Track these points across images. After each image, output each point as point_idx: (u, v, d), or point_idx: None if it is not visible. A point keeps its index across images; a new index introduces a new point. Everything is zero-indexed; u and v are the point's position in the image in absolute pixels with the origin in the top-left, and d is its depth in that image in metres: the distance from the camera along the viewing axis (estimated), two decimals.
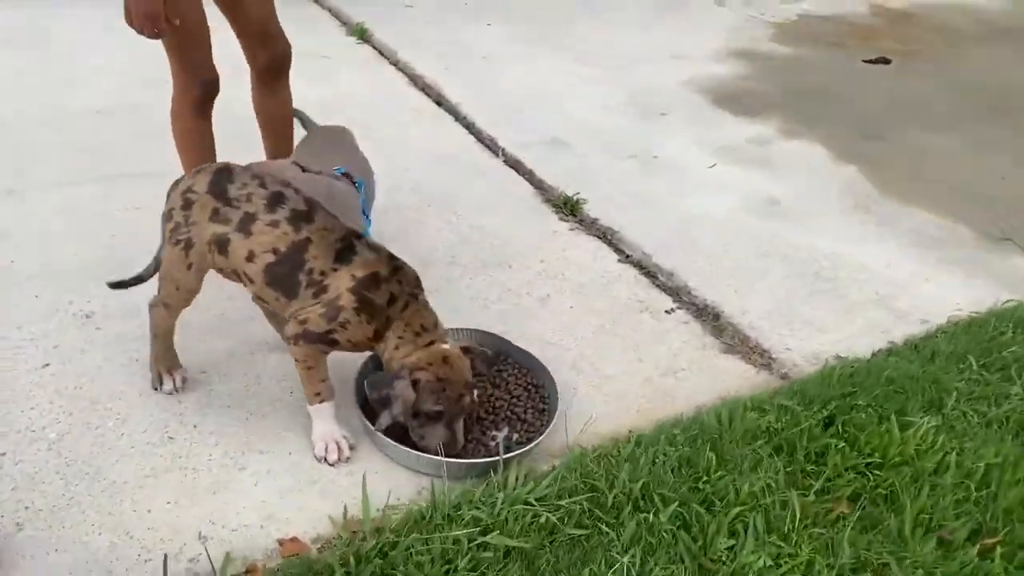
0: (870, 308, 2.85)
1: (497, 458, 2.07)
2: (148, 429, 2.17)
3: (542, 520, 1.92)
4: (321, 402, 2.13)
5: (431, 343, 2.10)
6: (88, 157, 3.30)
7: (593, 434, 2.25)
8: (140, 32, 2.34)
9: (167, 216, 2.12)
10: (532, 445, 2.15)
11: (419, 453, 2.08)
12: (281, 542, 1.92)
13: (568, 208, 3.26)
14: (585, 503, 1.96)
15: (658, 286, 2.90)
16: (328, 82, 4.08)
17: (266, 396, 2.29)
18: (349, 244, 2.07)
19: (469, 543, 1.85)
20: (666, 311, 2.78)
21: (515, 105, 4.01)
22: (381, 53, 4.51)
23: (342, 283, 2.03)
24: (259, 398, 2.29)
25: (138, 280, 2.27)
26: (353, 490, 2.05)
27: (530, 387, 2.37)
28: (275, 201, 2.05)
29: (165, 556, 1.80)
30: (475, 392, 2.14)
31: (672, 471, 2.07)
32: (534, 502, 1.95)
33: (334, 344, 2.07)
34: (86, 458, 2.08)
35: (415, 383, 2.04)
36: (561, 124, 3.86)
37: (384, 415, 2.06)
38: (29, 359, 2.33)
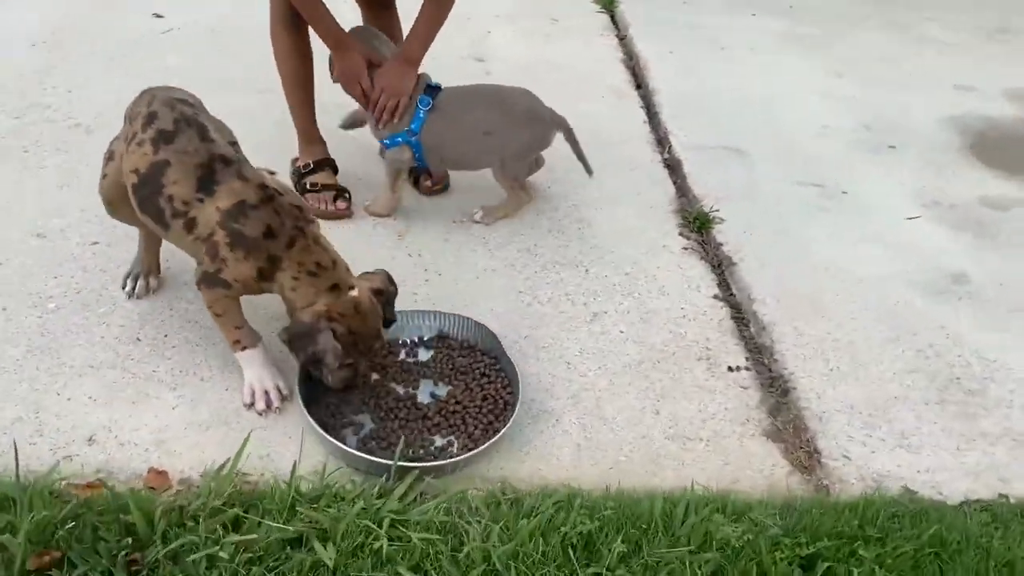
0: (999, 445, 2.11)
1: (400, 464, 1.84)
2: (125, 325, 2.23)
3: (376, 546, 1.66)
4: (243, 349, 2.03)
5: (334, 286, 1.91)
6: None
7: (521, 475, 1.93)
8: (344, 88, 2.57)
9: None
10: (431, 464, 1.87)
11: (343, 447, 1.89)
12: (151, 471, 1.87)
13: (696, 224, 2.81)
14: (430, 548, 1.66)
15: (741, 337, 2.40)
16: (540, 44, 3.90)
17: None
18: (211, 170, 1.90)
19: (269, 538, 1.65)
20: (729, 368, 2.29)
21: (718, 104, 3.53)
22: (615, 24, 4.22)
23: (211, 216, 1.88)
24: None
25: None
26: (263, 445, 1.94)
27: (498, 400, 2.08)
28: (148, 120, 1.94)
29: (15, 443, 1.82)
30: (384, 337, 2.02)
31: (562, 549, 1.68)
32: (378, 526, 1.69)
33: (227, 285, 1.93)
34: (62, 332, 2.18)
35: (332, 331, 1.87)
36: (757, 134, 3.33)
37: (324, 374, 1.93)
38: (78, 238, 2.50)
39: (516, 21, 4.10)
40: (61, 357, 2.12)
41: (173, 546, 1.59)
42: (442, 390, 2.12)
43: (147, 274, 2.31)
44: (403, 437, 1.95)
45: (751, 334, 2.42)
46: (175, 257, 2.30)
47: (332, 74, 2.61)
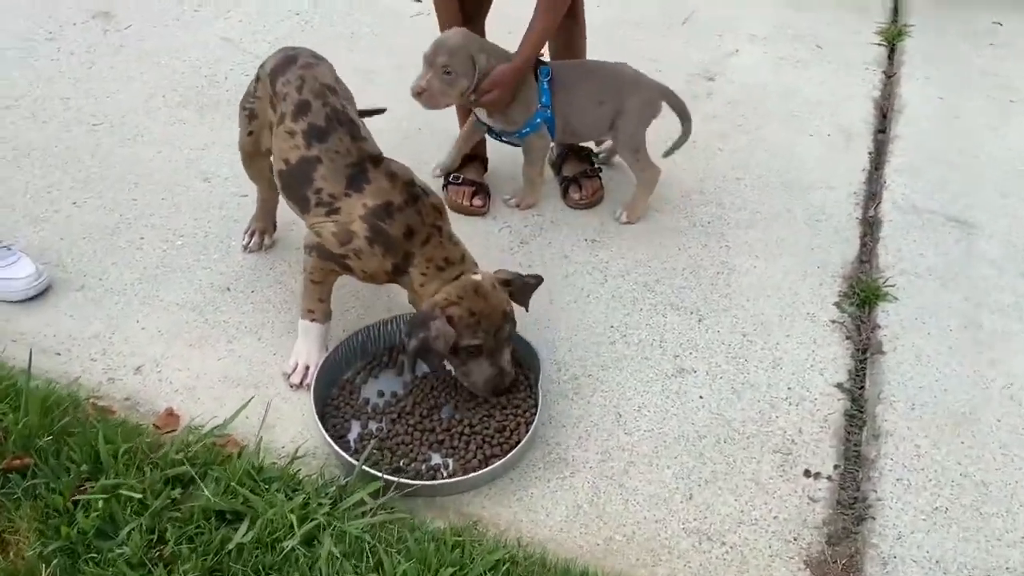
0: None
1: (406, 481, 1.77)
2: (225, 273, 2.37)
3: (285, 546, 1.59)
4: (312, 321, 2.05)
5: (459, 276, 1.89)
6: None
7: (498, 520, 1.75)
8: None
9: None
10: (397, 480, 1.76)
11: (322, 429, 1.87)
12: (167, 411, 1.97)
13: (860, 296, 2.36)
14: (338, 564, 1.56)
15: (844, 441, 1.98)
16: (788, 70, 3.51)
17: (337, 297, 2.17)
18: (362, 169, 1.91)
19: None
20: (807, 472, 1.90)
21: (966, 164, 2.93)
22: (891, 60, 3.68)
23: (355, 210, 1.89)
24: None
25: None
26: (275, 415, 1.97)
27: (512, 435, 1.90)
28: (300, 110, 1.96)
29: (30, 351, 2.00)
30: (514, 322, 1.94)
31: None
32: (303, 525, 1.62)
33: (348, 270, 1.96)
34: (174, 268, 2.37)
35: (449, 319, 1.84)
36: (998, 208, 2.71)
37: (429, 360, 1.91)
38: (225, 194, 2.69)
39: (773, 43, 3.74)
40: (160, 290, 2.30)
41: (109, 482, 1.65)
42: (462, 410, 1.98)
43: (262, 231, 2.43)
44: (375, 439, 1.86)
45: (858, 439, 1.98)
46: (297, 223, 2.41)
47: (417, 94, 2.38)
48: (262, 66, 2.16)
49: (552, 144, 2.63)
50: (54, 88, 3.11)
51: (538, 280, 2.05)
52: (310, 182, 1.95)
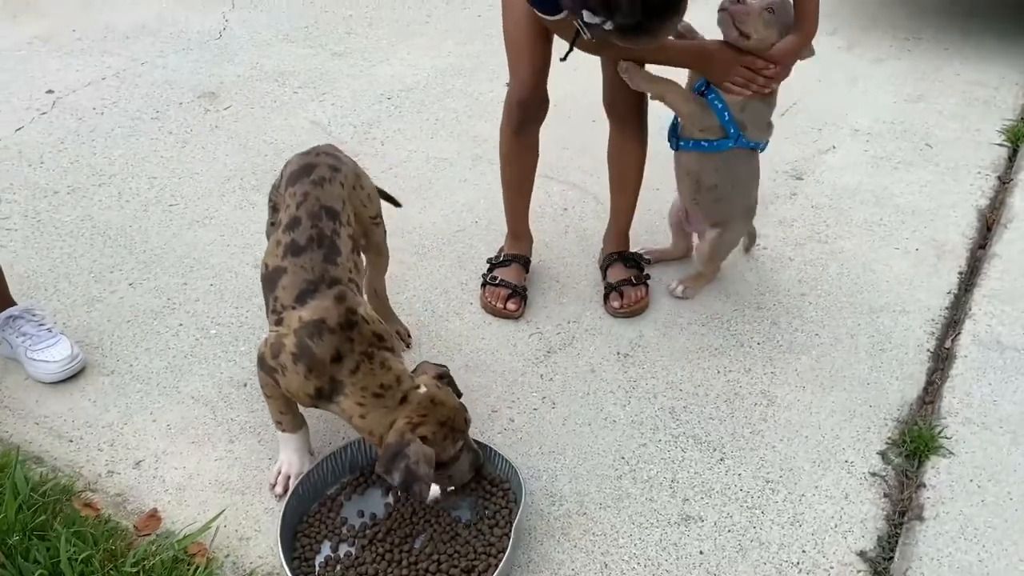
0: None
1: None
2: (246, 368, 2.39)
3: None
4: (283, 431, 2.02)
5: (403, 398, 1.83)
6: None
7: None
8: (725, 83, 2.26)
9: None
10: None
11: (280, 547, 1.82)
12: (150, 512, 1.99)
13: (909, 447, 2.10)
14: None
15: None
16: (887, 172, 3.25)
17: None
18: (316, 287, 1.88)
19: None
20: None
21: None
22: (1010, 162, 3.32)
23: (292, 323, 1.86)
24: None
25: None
26: (252, 525, 1.95)
27: (474, 571, 1.79)
28: (291, 225, 1.95)
29: (17, 448, 2.05)
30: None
31: None
32: None
33: (279, 385, 1.92)
34: (199, 358, 2.42)
35: (424, 439, 1.80)
36: None
37: (419, 488, 1.78)
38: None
39: (877, 140, 3.48)
40: (181, 381, 2.35)
41: None
42: (437, 541, 1.88)
43: None
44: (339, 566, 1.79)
45: None
46: None
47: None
48: (288, 163, 2.18)
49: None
50: (145, 167, 3.30)
51: (445, 367, 1.99)
52: (273, 290, 1.94)
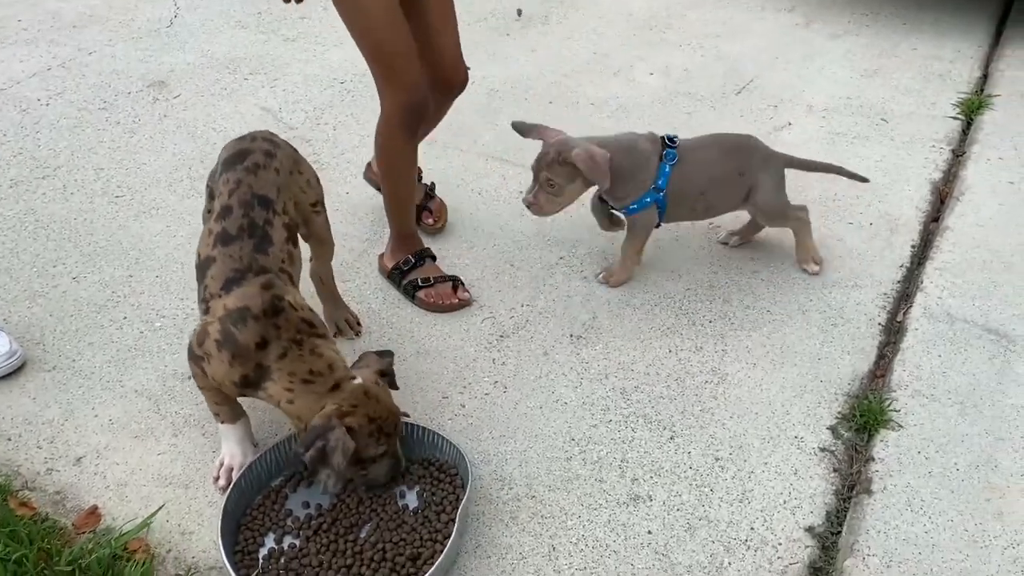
0: None
1: None
2: (179, 354, 2.33)
3: None
4: (221, 422, 1.99)
5: (335, 385, 1.80)
6: None
7: None
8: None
9: None
10: None
11: (220, 545, 1.78)
12: (90, 509, 1.94)
13: (859, 421, 2.09)
14: None
15: None
16: (843, 147, 3.24)
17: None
18: (243, 276, 1.85)
19: None
20: None
21: None
22: (964, 137, 3.33)
23: (217, 311, 1.83)
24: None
25: None
26: (193, 519, 1.92)
27: (420, 558, 1.77)
28: (223, 214, 1.92)
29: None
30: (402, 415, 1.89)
31: None
32: None
33: (205, 374, 1.87)
34: (144, 351, 2.37)
35: (350, 430, 1.76)
36: None
37: (325, 475, 1.77)
38: None
39: (833, 116, 3.47)
40: (124, 375, 2.30)
41: None
42: (383, 529, 1.86)
43: None
44: (267, 573, 1.76)
45: None
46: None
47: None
48: (224, 148, 2.13)
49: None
50: (91, 159, 3.23)
51: (391, 354, 1.97)
52: (204, 279, 1.91)
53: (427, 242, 2.63)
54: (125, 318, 2.49)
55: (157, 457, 2.08)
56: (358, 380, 1.82)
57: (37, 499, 1.96)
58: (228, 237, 1.89)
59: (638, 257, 2.58)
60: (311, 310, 1.88)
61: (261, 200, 1.94)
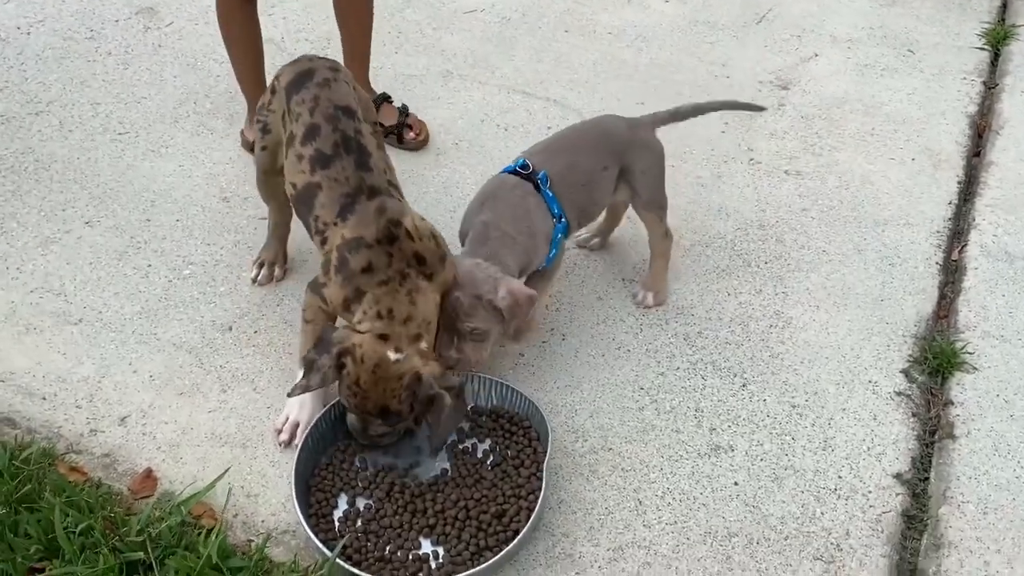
0: None
1: None
2: (229, 310, 2.21)
3: None
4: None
5: (383, 336, 1.68)
6: None
7: None
8: None
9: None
10: None
11: (297, 509, 1.70)
12: (145, 473, 1.83)
13: (933, 364, 2.06)
14: None
15: (899, 548, 1.70)
16: (873, 79, 3.15)
17: None
18: (355, 199, 1.77)
19: None
20: None
21: None
22: (993, 68, 3.27)
23: (336, 239, 1.76)
24: None
25: None
26: (257, 482, 1.81)
27: (511, 524, 1.69)
28: (310, 134, 1.83)
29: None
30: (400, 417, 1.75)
31: None
32: None
33: (325, 300, 1.80)
34: (176, 302, 2.22)
35: (340, 367, 1.69)
36: None
37: (309, 377, 1.73)
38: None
39: (858, 47, 3.37)
40: (158, 327, 2.16)
41: (58, 571, 1.52)
42: (462, 486, 1.78)
43: (272, 263, 2.27)
44: (347, 535, 1.67)
45: (916, 547, 1.70)
46: (305, 253, 2.25)
47: None
48: (277, 77, 2.00)
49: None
50: (86, 93, 3.01)
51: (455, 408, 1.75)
52: (311, 209, 1.83)
53: (418, 158, 2.57)
54: (150, 266, 2.33)
55: (208, 415, 1.96)
56: (395, 355, 1.68)
57: (85, 463, 1.84)
58: (325, 158, 1.81)
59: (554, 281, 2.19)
60: (431, 234, 1.79)
61: (345, 111, 1.87)
